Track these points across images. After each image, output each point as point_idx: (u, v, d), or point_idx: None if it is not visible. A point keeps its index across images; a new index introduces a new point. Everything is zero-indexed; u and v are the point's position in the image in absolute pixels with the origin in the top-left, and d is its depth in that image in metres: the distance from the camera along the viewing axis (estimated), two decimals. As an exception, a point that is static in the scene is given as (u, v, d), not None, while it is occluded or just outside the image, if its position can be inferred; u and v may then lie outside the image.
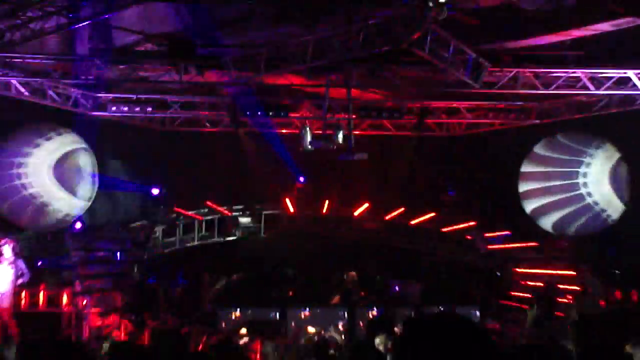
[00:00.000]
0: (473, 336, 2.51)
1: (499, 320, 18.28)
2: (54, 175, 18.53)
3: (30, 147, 18.50)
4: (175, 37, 15.98)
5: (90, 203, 19.29)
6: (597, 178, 19.48)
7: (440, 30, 14.40)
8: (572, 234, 19.75)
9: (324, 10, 14.56)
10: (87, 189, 19.08)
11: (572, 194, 19.61)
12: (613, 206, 19.47)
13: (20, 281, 16.54)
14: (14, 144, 18.44)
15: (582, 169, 19.51)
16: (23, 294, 17.36)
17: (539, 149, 20.01)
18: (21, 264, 16.63)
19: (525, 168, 20.14)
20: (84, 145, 19.07)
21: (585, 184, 19.54)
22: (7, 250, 16.18)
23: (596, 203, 19.48)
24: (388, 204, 21.34)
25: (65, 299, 18.35)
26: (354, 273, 17.95)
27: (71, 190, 18.73)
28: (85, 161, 18.99)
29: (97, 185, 19.15)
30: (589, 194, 19.51)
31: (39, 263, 18.89)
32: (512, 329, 17.44)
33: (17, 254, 16.67)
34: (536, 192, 19.94)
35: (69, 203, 18.85)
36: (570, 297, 17.82)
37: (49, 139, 18.64)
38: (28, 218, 18.75)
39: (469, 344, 2.47)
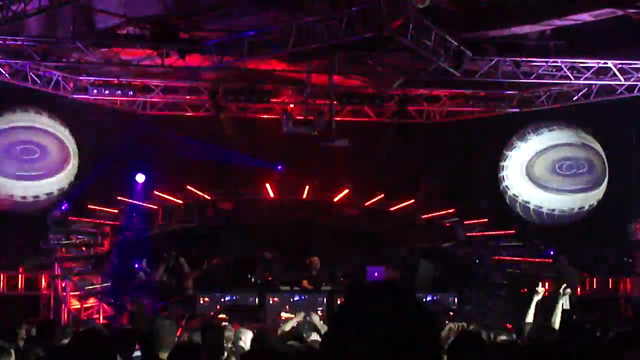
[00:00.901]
0: (413, 307, 2.43)
1: (476, 306, 18.42)
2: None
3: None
4: (157, 20, 15.94)
5: None
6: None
7: (422, 18, 14.45)
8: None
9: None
10: None
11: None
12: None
13: None
14: None
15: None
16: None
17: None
18: None
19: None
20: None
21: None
22: None
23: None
24: (368, 191, 21.37)
25: (44, 282, 18.34)
26: (316, 258, 17.95)
27: None
28: None
29: None
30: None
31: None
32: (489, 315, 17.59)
33: None
34: None
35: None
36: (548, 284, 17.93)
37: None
38: None
39: (410, 315, 2.39)
